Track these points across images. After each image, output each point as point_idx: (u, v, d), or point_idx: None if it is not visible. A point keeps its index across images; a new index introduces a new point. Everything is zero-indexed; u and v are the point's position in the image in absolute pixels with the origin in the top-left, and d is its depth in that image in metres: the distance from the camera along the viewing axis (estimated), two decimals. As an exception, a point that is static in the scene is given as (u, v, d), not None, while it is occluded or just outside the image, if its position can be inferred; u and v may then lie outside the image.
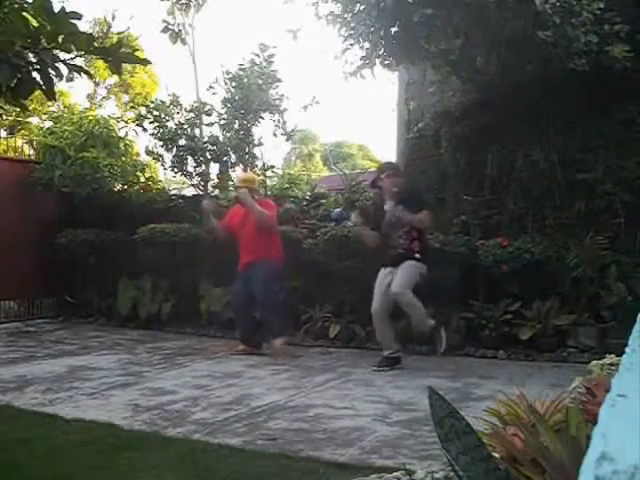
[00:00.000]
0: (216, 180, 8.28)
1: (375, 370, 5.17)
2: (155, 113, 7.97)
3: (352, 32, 5.58)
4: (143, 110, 8.18)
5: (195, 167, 8.01)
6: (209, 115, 8.14)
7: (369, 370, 5.23)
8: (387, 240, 5.36)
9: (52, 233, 8.09)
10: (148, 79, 18.12)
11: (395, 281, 5.18)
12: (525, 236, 5.93)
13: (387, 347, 5.30)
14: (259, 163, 8.08)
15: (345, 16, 5.57)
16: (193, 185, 8.16)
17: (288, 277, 6.32)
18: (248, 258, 5.88)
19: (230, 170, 8.21)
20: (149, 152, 8.22)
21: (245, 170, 8.04)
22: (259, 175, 8.03)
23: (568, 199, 5.98)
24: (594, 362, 3.21)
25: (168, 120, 8.00)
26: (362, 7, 5.41)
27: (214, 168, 8.23)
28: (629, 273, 5.55)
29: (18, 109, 5.10)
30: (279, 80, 7.86)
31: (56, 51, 2.37)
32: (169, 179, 9.73)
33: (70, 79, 2.66)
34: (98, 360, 5.72)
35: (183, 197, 8.50)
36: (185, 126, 8.01)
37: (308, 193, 7.99)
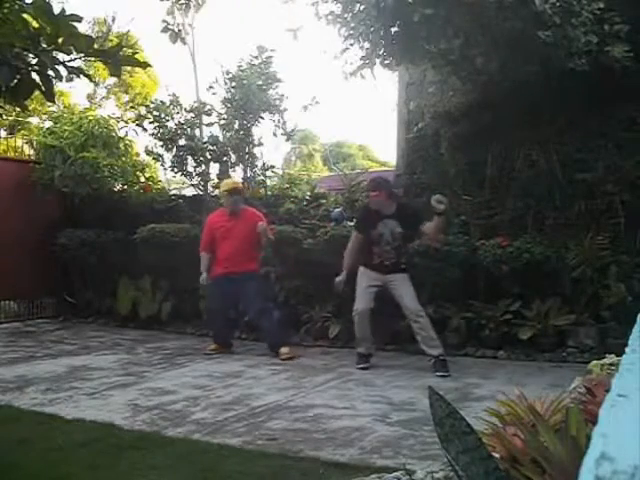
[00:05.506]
0: (216, 180, 8.28)
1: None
2: (155, 113, 7.97)
3: (352, 32, 5.57)
4: (143, 110, 8.18)
5: (195, 167, 8.00)
6: (209, 115, 8.14)
7: (369, 370, 5.23)
8: (371, 247, 5.32)
9: (52, 233, 8.09)
10: (148, 79, 18.09)
11: (408, 299, 5.18)
12: (525, 236, 5.92)
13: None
14: (259, 163, 8.07)
15: (345, 16, 5.56)
16: (193, 185, 8.16)
17: (284, 280, 6.57)
18: (233, 268, 5.95)
19: (230, 170, 8.20)
20: (149, 152, 8.22)
21: (246, 171, 8.04)
22: (259, 175, 8.05)
23: (568, 199, 5.97)
24: (594, 362, 3.20)
25: (168, 120, 8.00)
26: (362, 7, 5.40)
27: (214, 168, 8.23)
28: (629, 273, 5.55)
29: (18, 109, 5.09)
30: (279, 80, 7.86)
31: (56, 53, 2.37)
32: (169, 179, 9.73)
33: (70, 80, 2.66)
34: (98, 360, 5.73)
35: (183, 197, 8.50)
36: (185, 126, 8.01)
37: (308, 193, 7.98)
